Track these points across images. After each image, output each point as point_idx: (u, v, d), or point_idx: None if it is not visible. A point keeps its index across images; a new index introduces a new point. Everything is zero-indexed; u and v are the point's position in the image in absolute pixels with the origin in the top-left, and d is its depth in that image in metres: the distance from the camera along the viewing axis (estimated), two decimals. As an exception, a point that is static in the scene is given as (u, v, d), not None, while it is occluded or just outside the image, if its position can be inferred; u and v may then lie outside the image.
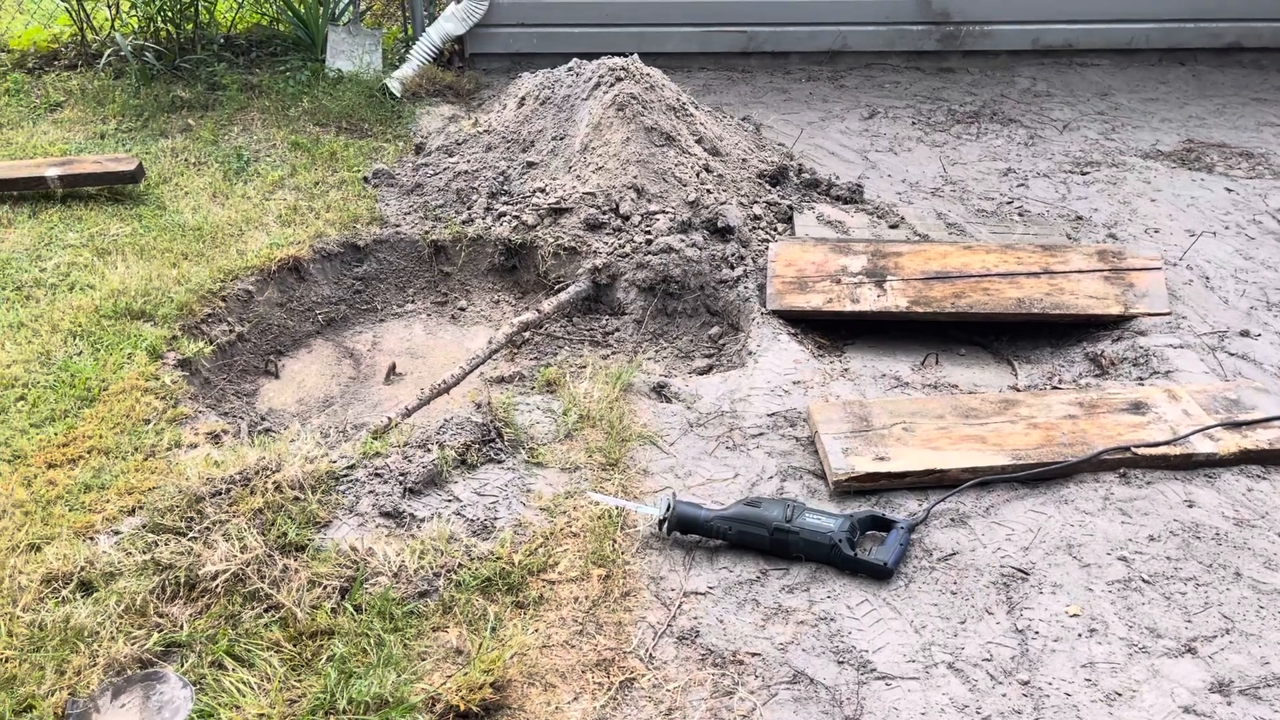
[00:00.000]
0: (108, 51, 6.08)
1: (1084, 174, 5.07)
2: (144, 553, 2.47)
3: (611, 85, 4.57)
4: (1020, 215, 4.61)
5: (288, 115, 5.57)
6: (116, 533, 2.59)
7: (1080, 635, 2.34)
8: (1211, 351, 3.51)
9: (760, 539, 2.58)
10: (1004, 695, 2.19)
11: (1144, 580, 2.49)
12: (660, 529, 2.64)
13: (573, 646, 2.33)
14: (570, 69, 4.86)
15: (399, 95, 5.88)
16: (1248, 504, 2.74)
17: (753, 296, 3.90)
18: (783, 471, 2.93)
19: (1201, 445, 2.89)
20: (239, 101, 5.70)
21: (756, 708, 2.17)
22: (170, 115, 5.55)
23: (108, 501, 2.70)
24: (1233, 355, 3.50)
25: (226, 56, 6.23)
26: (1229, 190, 4.87)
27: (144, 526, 2.57)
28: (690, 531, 2.63)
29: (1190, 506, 2.73)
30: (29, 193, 4.57)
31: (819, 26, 6.71)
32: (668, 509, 2.61)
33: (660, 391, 3.35)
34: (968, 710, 2.16)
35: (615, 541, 2.62)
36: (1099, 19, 6.77)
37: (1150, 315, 3.67)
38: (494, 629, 2.34)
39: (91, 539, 2.57)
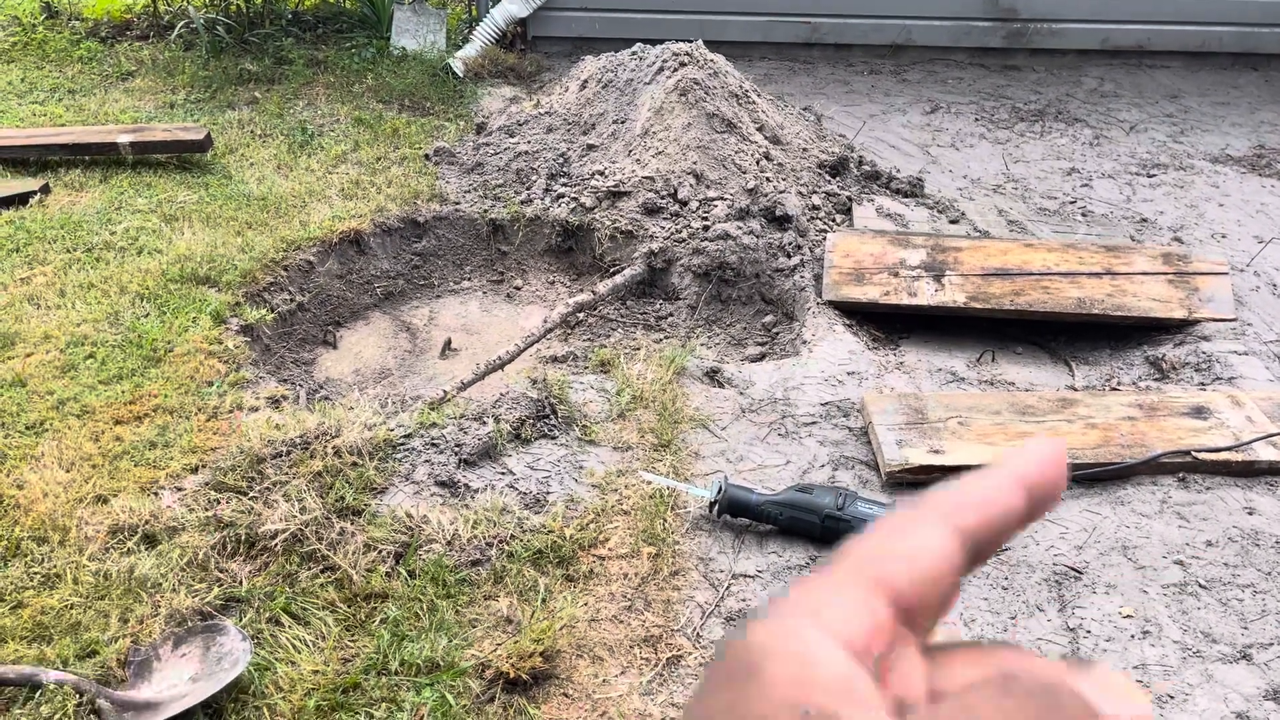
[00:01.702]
0: (179, 23, 6.20)
1: (1150, 176, 4.98)
2: (206, 509, 2.53)
3: (675, 70, 4.57)
4: (1083, 215, 4.54)
5: (352, 91, 5.64)
6: (180, 489, 2.65)
7: (1133, 636, 2.32)
8: (1278, 359, 3.44)
9: (811, 525, 2.57)
10: (1053, 692, 2.18)
11: (1200, 585, 2.46)
12: (711, 511, 2.65)
13: (621, 622, 2.35)
14: (633, 53, 4.87)
15: (461, 75, 5.92)
16: (1310, 514, 2.69)
17: (808, 286, 3.88)
18: (835, 460, 2.93)
19: (1264, 452, 2.84)
20: (305, 76, 5.78)
21: (803, 691, 2.18)
22: (238, 88, 5.64)
23: (172, 459, 2.77)
24: (1299, 364, 3.43)
25: (294, 32, 6.32)
26: (1300, 198, 4.77)
27: (206, 484, 2.63)
28: (740, 515, 2.64)
29: (1250, 514, 2.69)
30: (101, 158, 4.68)
31: (883, 20, 6.65)
32: (719, 491, 2.62)
33: (713, 376, 3.36)
34: (1016, 705, 2.15)
35: (665, 521, 2.64)
36: (1171, 20, 6.64)
37: (1215, 320, 3.60)
38: (544, 600, 2.37)
39: (156, 494, 2.64)
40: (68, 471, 2.71)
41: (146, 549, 2.44)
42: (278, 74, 5.80)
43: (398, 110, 5.46)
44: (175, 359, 3.23)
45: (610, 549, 2.55)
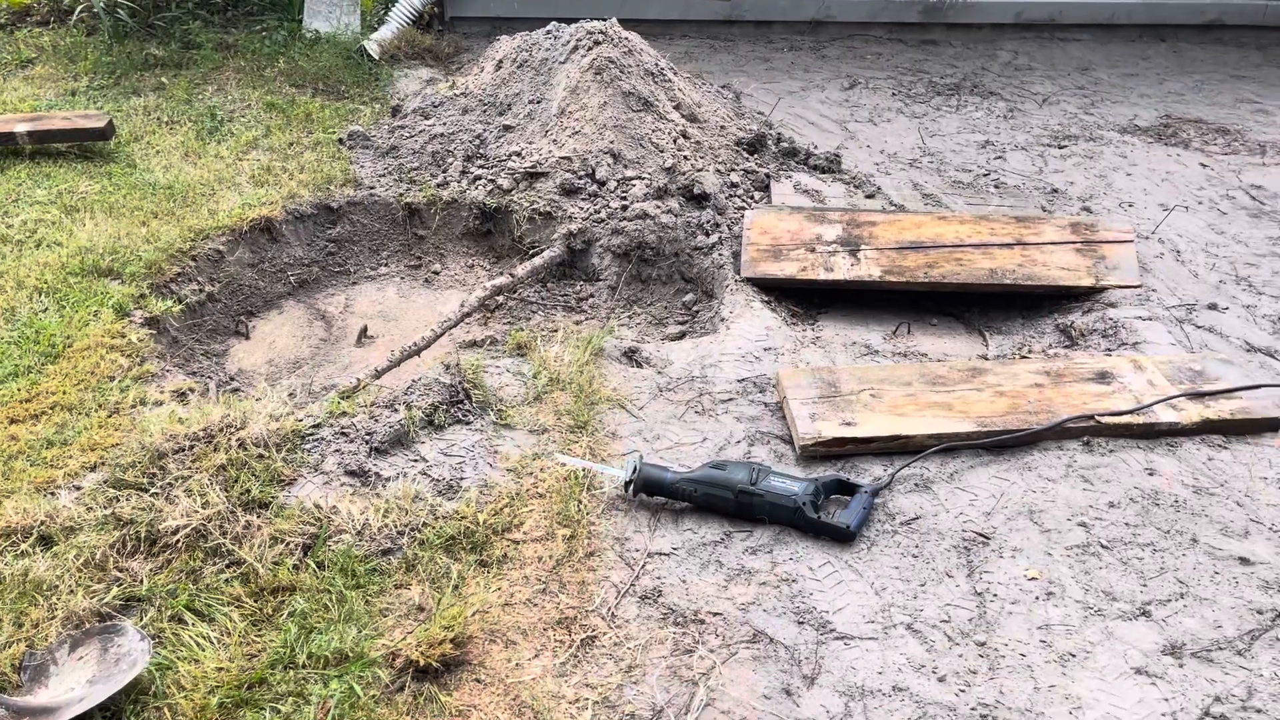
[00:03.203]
0: (80, 8, 5.99)
1: (1061, 147, 5.07)
2: (105, 508, 2.46)
3: (589, 49, 4.53)
4: (996, 187, 4.61)
5: (263, 75, 5.51)
6: (77, 488, 2.58)
7: (1037, 598, 2.37)
8: (1179, 324, 3.53)
9: (725, 501, 2.58)
10: (960, 656, 2.22)
11: (1102, 545, 2.52)
12: (626, 490, 2.64)
13: (535, 605, 2.33)
14: (549, 32, 4.82)
15: (377, 57, 5.81)
16: (1208, 473, 2.77)
17: (727, 264, 3.89)
18: (750, 436, 2.94)
19: (1164, 415, 2.91)
20: (214, 61, 5.62)
21: (716, 666, 2.19)
22: (143, 73, 5.47)
23: (70, 457, 2.68)
24: (1200, 328, 3.52)
25: (201, 15, 6.15)
26: (1204, 166, 4.89)
27: (105, 482, 2.56)
28: (656, 493, 2.64)
29: (1151, 474, 2.76)
30: (-3, 149, 4.51)
31: (802, -4, 6.68)
32: (634, 470, 2.61)
33: (631, 356, 3.35)
34: (924, 670, 2.18)
35: (581, 502, 2.63)
36: (1082, -7, 6.76)
37: (1121, 287, 3.68)
38: (456, 587, 2.35)
39: (52, 494, 2.56)
40: (-41, 474, 2.61)
41: (42, 550, 2.37)
42: (185, 59, 5.64)
43: (311, 94, 5.35)
44: (75, 354, 3.13)
45: (525, 533, 2.54)
